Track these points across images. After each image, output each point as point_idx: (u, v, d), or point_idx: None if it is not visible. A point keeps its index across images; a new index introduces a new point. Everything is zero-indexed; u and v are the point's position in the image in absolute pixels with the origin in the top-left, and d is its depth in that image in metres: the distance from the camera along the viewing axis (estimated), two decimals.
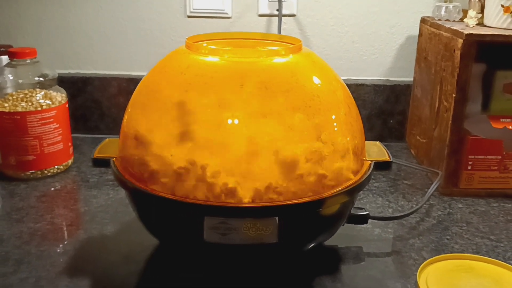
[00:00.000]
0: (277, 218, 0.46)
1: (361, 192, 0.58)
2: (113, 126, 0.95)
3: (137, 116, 0.51)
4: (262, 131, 0.47)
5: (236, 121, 0.47)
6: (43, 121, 0.74)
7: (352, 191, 0.50)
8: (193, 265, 0.54)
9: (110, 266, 0.55)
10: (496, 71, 0.75)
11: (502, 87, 0.75)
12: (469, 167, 0.73)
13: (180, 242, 0.51)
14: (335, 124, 0.51)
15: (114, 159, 0.53)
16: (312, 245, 0.53)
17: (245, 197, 0.46)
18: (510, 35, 0.68)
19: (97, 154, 0.54)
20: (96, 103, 0.94)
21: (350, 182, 0.51)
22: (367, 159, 0.56)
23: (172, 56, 0.54)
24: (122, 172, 0.51)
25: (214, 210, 0.45)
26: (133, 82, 0.91)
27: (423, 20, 0.87)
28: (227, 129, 0.47)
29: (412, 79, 0.92)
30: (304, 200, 0.47)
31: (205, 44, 0.54)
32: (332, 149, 0.50)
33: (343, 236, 0.59)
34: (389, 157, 0.57)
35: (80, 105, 0.94)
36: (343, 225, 0.56)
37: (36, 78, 0.76)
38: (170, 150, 0.47)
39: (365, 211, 0.59)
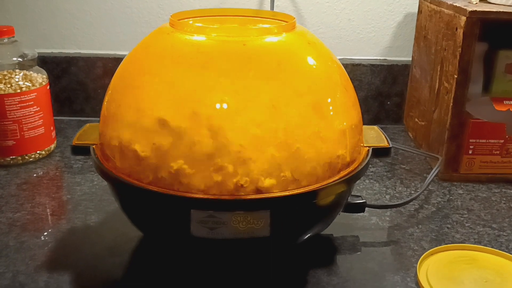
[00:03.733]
0: (269, 210, 0.43)
1: None
2: (99, 108, 0.90)
3: (117, 100, 0.48)
4: (252, 116, 0.44)
5: (224, 105, 0.44)
6: (22, 104, 0.70)
7: (350, 180, 0.47)
8: (180, 258, 0.51)
9: (94, 259, 0.52)
10: (498, 51, 0.71)
11: (504, 67, 0.72)
12: (470, 152, 0.70)
13: (166, 236, 0.48)
14: (331, 108, 0.48)
15: (94, 146, 0.50)
16: (306, 237, 0.50)
17: (236, 188, 0.42)
18: None
19: (76, 141, 0.51)
20: (81, 84, 0.90)
21: (347, 171, 0.48)
22: (364, 145, 0.52)
23: (155, 35, 0.50)
24: (102, 160, 0.47)
25: (201, 203, 0.42)
26: (120, 62, 0.87)
27: None
28: (215, 113, 0.43)
29: (410, 58, 0.89)
30: (298, 191, 0.43)
31: (191, 22, 0.50)
32: (328, 135, 0.46)
33: (339, 225, 0.56)
34: (388, 143, 0.53)
35: (64, 86, 0.90)
36: (338, 214, 0.53)
37: (15, 59, 0.72)
38: (153, 138, 0.44)
39: (362, 199, 0.56)
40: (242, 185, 0.42)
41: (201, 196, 0.42)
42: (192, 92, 0.43)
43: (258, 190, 0.43)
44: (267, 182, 0.43)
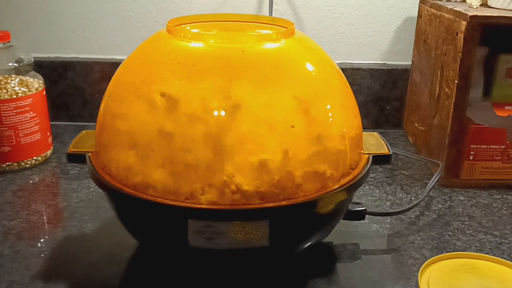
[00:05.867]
0: (268, 220, 0.42)
1: None
2: (96, 113, 0.89)
3: (114, 107, 0.47)
4: (250, 123, 0.43)
5: (222, 113, 0.43)
6: (18, 110, 0.70)
7: (350, 189, 0.47)
8: (178, 267, 0.50)
9: (90, 268, 0.51)
10: (498, 55, 0.71)
11: (504, 71, 0.71)
12: (471, 157, 0.69)
13: (163, 246, 0.47)
14: (330, 114, 0.47)
15: (90, 154, 0.49)
16: (306, 246, 0.49)
17: (234, 197, 0.42)
18: None
19: (72, 148, 0.50)
20: (78, 89, 0.89)
21: (348, 179, 0.47)
22: (364, 152, 0.52)
23: (151, 41, 0.49)
24: (98, 169, 0.46)
25: (198, 213, 0.41)
26: (117, 66, 0.86)
27: (423, 1, 0.82)
28: (213, 122, 0.42)
29: (410, 63, 0.88)
30: (297, 200, 0.43)
31: (188, 28, 0.50)
32: (327, 142, 0.45)
33: (339, 233, 0.55)
34: (389, 150, 0.53)
35: (61, 91, 0.89)
36: (338, 222, 0.52)
37: (10, 64, 0.71)
38: (150, 146, 0.43)
39: (362, 207, 0.55)
40: (240, 195, 0.42)
41: (198, 206, 0.41)
42: (189, 100, 0.43)
43: (257, 200, 0.42)
44: (265, 191, 0.42)
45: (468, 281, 0.50)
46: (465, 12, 0.64)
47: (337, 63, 0.53)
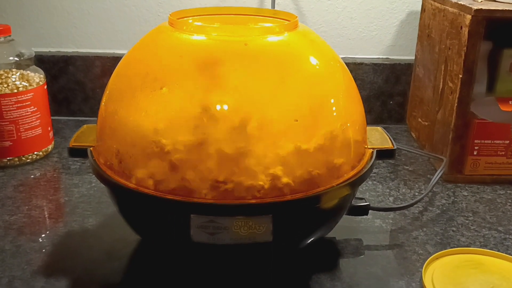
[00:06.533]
0: (271, 215, 0.42)
1: None
2: (98, 108, 0.88)
3: (115, 101, 0.47)
4: (253, 117, 0.42)
5: (225, 107, 0.42)
6: (19, 104, 0.69)
7: (354, 184, 0.46)
8: (180, 263, 0.50)
9: (92, 263, 0.51)
10: (502, 50, 0.70)
11: (508, 66, 0.70)
12: (475, 152, 0.68)
13: (165, 241, 0.47)
14: (334, 108, 0.47)
15: (91, 148, 0.48)
16: (309, 242, 0.48)
17: (237, 192, 0.41)
18: None
19: (73, 142, 0.49)
20: (79, 84, 0.89)
21: (351, 174, 0.46)
22: (368, 147, 0.51)
23: (153, 34, 0.48)
24: (100, 163, 0.46)
25: (201, 208, 0.41)
26: (118, 61, 0.85)
27: None
28: (215, 115, 0.42)
29: (413, 57, 0.88)
30: (301, 195, 0.42)
31: (190, 21, 0.49)
32: (331, 137, 0.45)
33: (342, 228, 0.55)
34: (393, 144, 0.52)
35: (62, 86, 0.89)
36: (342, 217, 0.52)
37: (11, 58, 0.71)
38: (151, 141, 0.42)
39: (366, 202, 0.55)
40: (243, 190, 0.41)
41: (201, 200, 0.41)
42: (192, 94, 0.42)
43: (260, 194, 0.41)
44: (269, 185, 0.42)
45: (472, 277, 0.49)
46: (470, 6, 0.63)
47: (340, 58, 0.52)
